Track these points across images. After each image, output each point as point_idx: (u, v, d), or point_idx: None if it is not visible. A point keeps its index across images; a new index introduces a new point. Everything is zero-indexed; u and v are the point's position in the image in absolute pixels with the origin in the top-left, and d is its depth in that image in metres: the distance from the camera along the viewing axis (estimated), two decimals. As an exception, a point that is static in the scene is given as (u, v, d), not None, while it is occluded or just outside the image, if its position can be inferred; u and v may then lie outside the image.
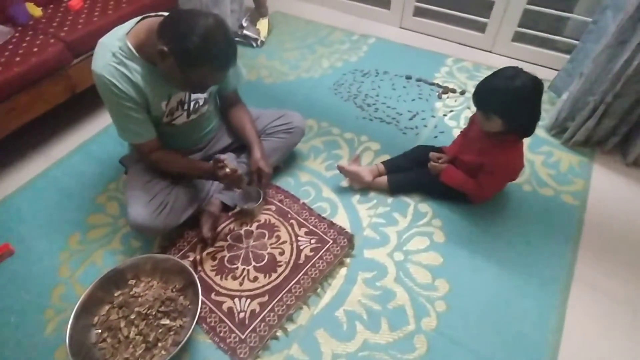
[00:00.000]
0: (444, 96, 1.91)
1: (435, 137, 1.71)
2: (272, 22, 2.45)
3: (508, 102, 1.15)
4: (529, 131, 1.24)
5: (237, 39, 2.29)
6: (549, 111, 1.77)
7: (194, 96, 1.27)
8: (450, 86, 1.95)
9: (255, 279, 1.24)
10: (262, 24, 2.35)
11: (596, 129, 1.54)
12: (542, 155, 1.61)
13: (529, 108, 1.17)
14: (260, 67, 2.14)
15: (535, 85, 1.15)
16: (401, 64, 2.10)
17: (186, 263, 1.18)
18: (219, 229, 1.38)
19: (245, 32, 2.27)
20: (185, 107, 1.27)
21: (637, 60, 1.31)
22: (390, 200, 1.46)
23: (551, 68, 2.01)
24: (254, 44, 2.27)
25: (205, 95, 1.30)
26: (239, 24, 2.27)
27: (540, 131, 1.71)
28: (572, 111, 1.59)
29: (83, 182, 1.57)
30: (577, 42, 1.69)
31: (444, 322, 1.14)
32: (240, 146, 1.50)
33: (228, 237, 1.36)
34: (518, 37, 2.05)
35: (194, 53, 0.98)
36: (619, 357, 1.08)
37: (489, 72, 1.98)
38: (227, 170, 1.20)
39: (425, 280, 1.24)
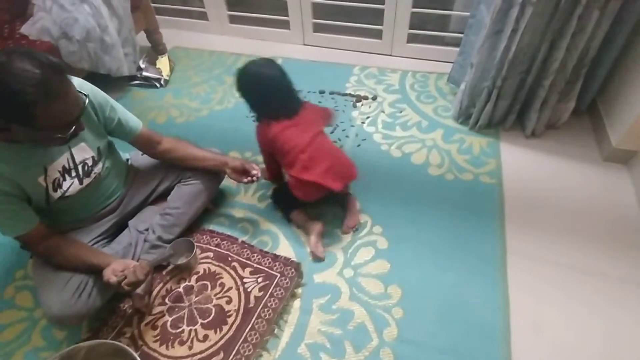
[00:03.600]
0: (359, 104, 1.97)
1: (359, 145, 1.75)
2: (173, 59, 2.35)
3: (240, 86, 1.36)
4: (267, 114, 1.35)
5: (137, 82, 2.16)
6: (452, 102, 1.91)
7: (79, 158, 1.14)
8: (362, 93, 2.02)
9: (206, 337, 1.15)
10: (163, 62, 2.24)
11: (495, 110, 1.69)
12: (456, 144, 1.72)
13: (249, 96, 1.35)
14: (169, 107, 2.03)
15: (244, 70, 1.34)
16: (312, 80, 2.13)
17: (124, 342, 1.05)
18: (155, 292, 1.26)
19: (145, 73, 2.14)
20: (74, 173, 1.13)
21: (514, 45, 1.47)
22: (330, 218, 1.46)
23: (447, 62, 2.17)
24: (157, 85, 2.15)
25: (92, 153, 1.17)
26: (136, 66, 2.13)
27: (449, 121, 1.83)
28: (471, 98, 1.73)
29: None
30: (462, 35, 1.85)
31: (404, 328, 1.15)
32: (165, 191, 1.40)
33: (166, 300, 1.24)
34: (412, 39, 2.20)
35: (12, 105, 0.86)
36: (564, 318, 1.17)
37: (394, 75, 2.14)
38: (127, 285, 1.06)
39: (378, 290, 1.24)
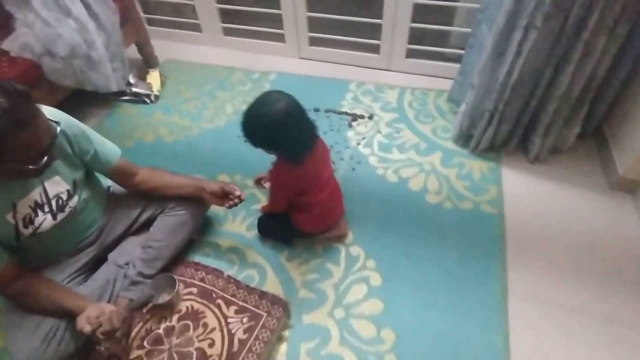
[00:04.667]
0: (354, 124, 1.89)
1: (353, 169, 1.67)
2: (165, 73, 2.28)
3: (250, 134, 1.11)
4: (287, 158, 1.15)
5: (126, 97, 2.09)
6: (452, 122, 1.83)
7: (52, 193, 1.07)
8: (359, 112, 1.95)
9: (185, 386, 1.08)
10: (153, 77, 2.17)
11: (496, 134, 1.62)
12: (455, 168, 1.64)
13: (261, 142, 1.12)
14: (157, 125, 1.96)
15: (254, 121, 1.08)
16: (307, 96, 2.01)
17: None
18: (133, 333, 1.19)
19: (134, 89, 2.07)
20: (46, 208, 1.06)
21: (517, 69, 1.39)
22: (320, 250, 1.38)
23: (447, 78, 2.10)
24: (147, 100, 2.08)
25: (67, 187, 1.10)
26: (125, 81, 2.06)
27: (448, 143, 1.76)
28: (472, 120, 1.65)
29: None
30: (462, 51, 1.78)
31: (397, 378, 1.08)
32: (147, 221, 1.33)
33: (145, 342, 1.17)
34: (411, 53, 2.12)
35: None
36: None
37: (392, 92, 2.06)
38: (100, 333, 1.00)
39: (370, 334, 1.17)
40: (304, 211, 1.27)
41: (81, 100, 2.00)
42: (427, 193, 1.55)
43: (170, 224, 1.30)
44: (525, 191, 1.55)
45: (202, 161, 1.74)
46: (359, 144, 1.79)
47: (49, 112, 1.05)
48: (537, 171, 1.62)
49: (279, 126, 1.06)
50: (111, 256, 1.28)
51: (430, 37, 2.13)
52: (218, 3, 2.30)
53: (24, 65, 1.66)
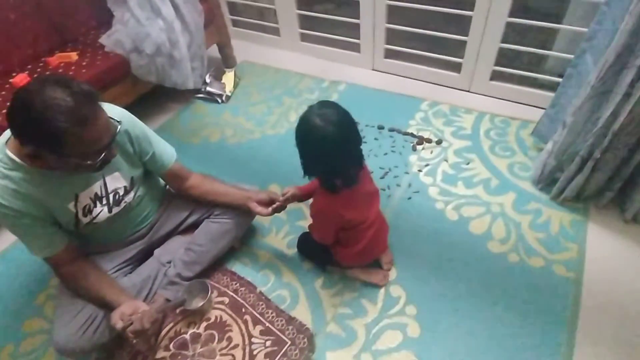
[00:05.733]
0: (419, 147, 1.75)
1: (409, 198, 1.54)
2: (240, 74, 2.35)
3: (298, 142, 1.04)
4: (323, 182, 1.08)
5: (201, 95, 2.19)
6: (534, 160, 1.60)
7: (111, 187, 1.13)
8: (426, 135, 1.80)
9: (199, 400, 1.07)
10: (228, 78, 2.24)
11: (587, 184, 1.37)
12: (530, 215, 1.43)
13: (304, 153, 1.04)
14: (225, 125, 2.02)
15: (306, 127, 0.98)
16: (373, 111, 1.96)
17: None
18: (163, 332, 1.22)
19: (208, 88, 2.16)
20: (104, 201, 1.13)
21: (624, 113, 1.15)
22: (358, 283, 1.29)
23: (537, 107, 1.85)
24: (219, 100, 2.15)
25: (125, 183, 1.16)
26: (202, 80, 2.16)
27: (525, 184, 1.54)
28: (558, 162, 1.42)
29: (21, 280, 1.43)
30: (559, 79, 1.55)
31: None
32: (194, 224, 1.36)
33: (171, 345, 1.19)
34: (497, 76, 1.91)
35: (43, 132, 0.85)
36: None
37: (468, 116, 1.88)
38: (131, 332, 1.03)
39: (396, 392, 1.06)
40: (345, 245, 1.20)
41: (160, 94, 2.14)
42: (491, 239, 1.37)
43: (213, 231, 1.32)
44: (614, 256, 1.29)
45: (258, 167, 1.74)
46: (420, 170, 1.65)
47: (117, 112, 1.11)
48: (634, 234, 1.34)
49: (328, 144, 0.96)
50: (157, 252, 1.33)
51: (523, 58, 1.89)
52: (299, 9, 2.30)
53: (115, 60, 1.81)
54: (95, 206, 1.13)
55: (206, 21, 2.12)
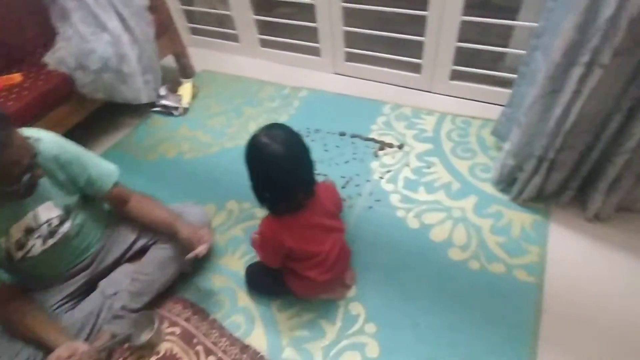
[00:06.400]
0: (381, 153, 1.70)
1: (370, 207, 1.49)
2: (199, 84, 2.27)
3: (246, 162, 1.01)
4: (267, 203, 1.03)
5: (157, 108, 2.10)
6: (495, 160, 1.57)
7: (44, 218, 1.06)
8: (387, 140, 1.75)
9: None
10: (185, 89, 2.16)
11: (545, 184, 1.34)
12: (491, 218, 1.39)
13: (250, 174, 1.01)
14: (181, 139, 1.94)
15: (252, 145, 0.98)
16: (335, 117, 1.90)
17: None
18: (109, 371, 1.15)
19: (163, 101, 2.08)
20: (37, 234, 1.06)
21: (575, 112, 1.12)
22: (316, 301, 1.24)
23: (498, 104, 1.82)
24: (175, 113, 2.07)
25: (59, 212, 1.09)
26: (156, 93, 2.07)
27: (486, 186, 1.50)
28: (517, 163, 1.39)
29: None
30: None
31: None
32: (142, 250, 1.29)
33: (117, 384, 1.12)
34: (457, 75, 1.88)
35: None
36: None
37: (429, 118, 1.84)
38: None
39: (354, 419, 1.00)
40: (299, 277, 1.12)
41: (115, 110, 2.05)
42: (451, 247, 1.33)
43: (160, 257, 1.24)
44: (576, 258, 1.26)
45: (215, 183, 1.67)
46: (382, 177, 1.60)
47: (45, 137, 1.05)
48: (596, 233, 1.32)
49: (273, 163, 0.95)
50: (102, 284, 1.25)
51: (484, 55, 1.86)
52: (256, 14, 2.23)
53: (58, 79, 1.72)
54: (28, 240, 1.06)
55: (158, 32, 2.04)
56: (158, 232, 1.24)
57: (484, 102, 1.86)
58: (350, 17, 1.97)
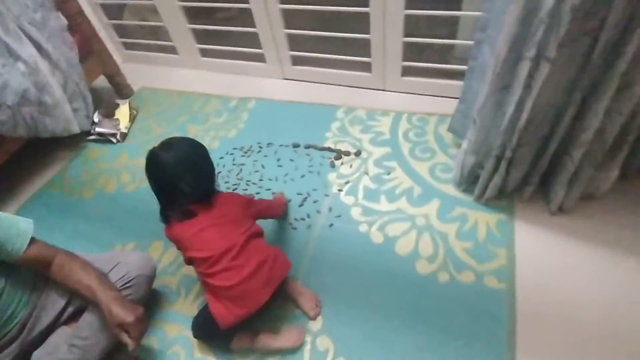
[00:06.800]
0: (338, 163, 1.61)
1: (331, 225, 1.40)
2: (138, 103, 2.09)
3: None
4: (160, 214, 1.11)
5: (92, 137, 1.92)
6: (454, 158, 1.51)
7: None
8: (344, 148, 1.66)
9: None
10: (122, 112, 1.98)
11: (506, 181, 1.29)
12: (456, 223, 1.33)
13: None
14: (121, 170, 1.77)
15: (146, 160, 1.06)
16: (287, 127, 1.79)
17: None
18: None
19: (98, 129, 1.89)
20: None
21: (527, 107, 1.06)
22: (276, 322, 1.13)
23: (452, 97, 1.76)
24: (113, 140, 1.90)
25: None
26: (90, 121, 1.89)
27: (448, 188, 1.44)
28: (477, 161, 1.33)
29: None
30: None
31: None
32: (78, 311, 1.14)
33: None
34: (408, 71, 1.80)
35: None
36: None
37: (385, 119, 1.75)
38: None
39: None
40: (213, 295, 1.03)
41: (45, 145, 1.85)
42: (418, 259, 1.26)
43: (99, 319, 1.10)
44: (545, 253, 1.22)
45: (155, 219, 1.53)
46: (341, 190, 1.51)
47: None
48: (561, 225, 1.27)
49: (160, 168, 1.02)
50: (35, 355, 1.09)
51: (433, 48, 1.80)
52: (190, 23, 2.06)
53: (-34, 120, 1.52)
54: None
55: (83, 54, 1.85)
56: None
57: (438, 97, 1.79)
58: (292, 18, 1.85)
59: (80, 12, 1.85)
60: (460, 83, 1.68)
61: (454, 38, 1.73)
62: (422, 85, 1.80)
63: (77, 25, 1.84)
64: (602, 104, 0.99)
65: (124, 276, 1.14)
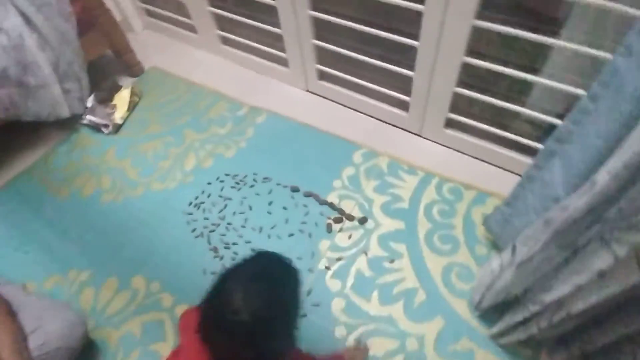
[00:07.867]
0: (336, 227, 1.32)
1: (304, 315, 1.15)
2: (144, 87, 1.86)
3: None
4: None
5: (85, 121, 1.73)
6: (480, 263, 1.17)
7: None
8: (348, 208, 1.36)
9: None
10: (121, 98, 1.76)
11: (538, 333, 0.96)
12: (456, 361, 1.04)
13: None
14: (104, 171, 1.58)
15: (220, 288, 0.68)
16: (292, 160, 1.50)
17: None
18: None
19: (89, 116, 1.69)
20: None
21: (591, 300, 0.71)
22: None
23: (503, 168, 1.38)
24: (105, 131, 1.70)
25: None
26: (83, 104, 1.69)
27: (461, 305, 1.12)
28: (507, 299, 0.99)
29: None
30: (537, 144, 1.15)
31: None
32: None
33: None
34: (453, 124, 1.41)
35: None
36: None
37: (411, 178, 1.41)
38: None
39: None
40: None
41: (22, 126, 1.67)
42: (394, 400, 1.00)
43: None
44: None
45: (125, 242, 1.35)
46: (329, 268, 1.24)
47: None
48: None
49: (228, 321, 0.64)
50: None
51: (493, 109, 1.38)
52: (212, 6, 1.74)
53: (-64, 96, 1.36)
54: None
55: (84, 26, 1.62)
56: None
57: (485, 163, 1.41)
58: (326, 29, 1.48)
59: (85, -24, 1.59)
60: (518, 156, 1.31)
61: (522, 97, 1.31)
62: (467, 145, 1.42)
63: (81, -9, 1.59)
64: None
65: (41, 345, 0.97)
